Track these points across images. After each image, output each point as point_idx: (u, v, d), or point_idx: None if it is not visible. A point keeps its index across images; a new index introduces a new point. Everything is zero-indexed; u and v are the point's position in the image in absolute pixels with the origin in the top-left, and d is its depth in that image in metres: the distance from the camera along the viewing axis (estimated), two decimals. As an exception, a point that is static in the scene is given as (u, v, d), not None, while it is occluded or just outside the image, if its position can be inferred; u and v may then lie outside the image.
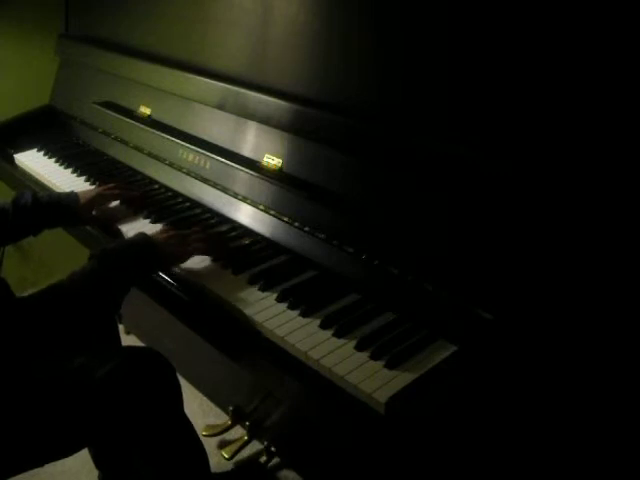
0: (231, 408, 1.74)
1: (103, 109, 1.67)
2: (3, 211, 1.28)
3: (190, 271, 1.15)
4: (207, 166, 1.40)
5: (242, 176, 1.31)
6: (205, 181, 1.40)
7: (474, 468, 0.78)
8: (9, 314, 0.96)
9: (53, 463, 1.13)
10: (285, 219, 1.21)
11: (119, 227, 1.33)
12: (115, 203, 1.41)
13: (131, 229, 1.31)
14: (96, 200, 1.37)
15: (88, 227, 1.38)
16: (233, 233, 1.28)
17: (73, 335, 1.01)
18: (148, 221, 1.34)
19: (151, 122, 1.57)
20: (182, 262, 1.16)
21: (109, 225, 1.35)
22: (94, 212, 1.37)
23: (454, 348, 0.94)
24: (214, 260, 1.18)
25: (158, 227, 1.31)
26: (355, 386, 0.87)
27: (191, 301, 1.13)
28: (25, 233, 1.32)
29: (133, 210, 1.39)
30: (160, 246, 1.12)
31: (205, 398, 1.94)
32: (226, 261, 1.16)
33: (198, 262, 1.17)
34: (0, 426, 1.05)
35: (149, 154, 1.55)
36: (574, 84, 0.89)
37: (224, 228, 1.30)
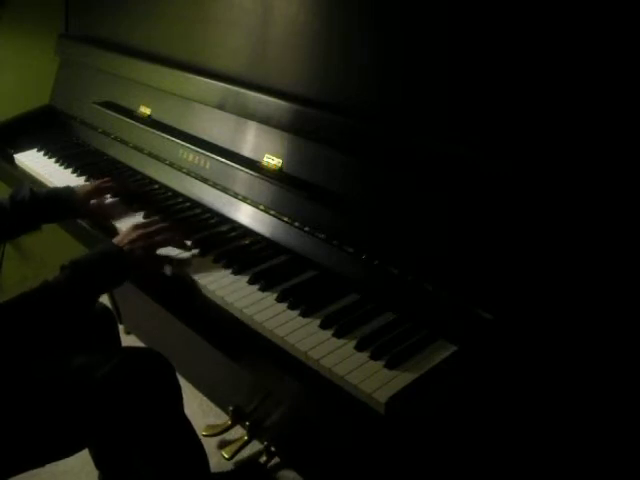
0: (231, 408, 1.74)
1: (103, 109, 1.67)
2: (1, 207, 1.29)
3: (190, 271, 1.15)
4: (207, 166, 1.40)
5: (242, 176, 1.31)
6: (205, 181, 1.40)
7: (474, 468, 0.78)
8: None
9: (54, 463, 1.13)
10: (285, 219, 1.21)
11: (116, 224, 1.34)
12: (111, 199, 1.43)
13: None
14: (92, 193, 1.38)
15: (87, 226, 1.38)
16: (233, 233, 1.28)
17: (44, 339, 1.04)
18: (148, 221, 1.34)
19: (151, 122, 1.57)
20: (150, 263, 1.16)
21: (105, 218, 1.37)
22: (90, 204, 1.38)
23: (454, 348, 0.94)
24: (214, 261, 1.18)
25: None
26: (355, 386, 0.87)
27: (191, 301, 1.13)
28: (24, 228, 1.33)
29: (130, 205, 1.40)
30: (127, 253, 1.11)
31: (205, 398, 1.94)
32: (226, 261, 1.16)
33: (198, 262, 1.18)
34: (1, 426, 1.05)
35: (149, 154, 1.55)
36: (574, 84, 0.89)
37: (224, 228, 1.30)
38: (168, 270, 1.18)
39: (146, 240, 1.15)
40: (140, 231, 1.16)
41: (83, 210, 1.37)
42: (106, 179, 1.44)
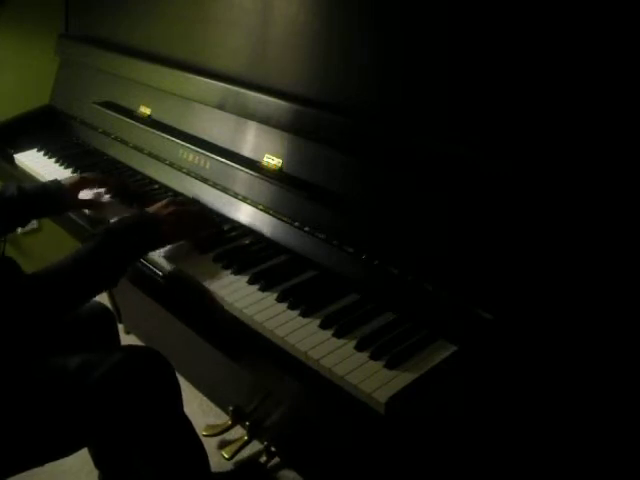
0: (231, 408, 1.74)
1: (103, 109, 1.67)
2: None
3: (190, 271, 1.15)
4: (207, 166, 1.40)
5: (242, 176, 1.31)
6: (205, 181, 1.40)
7: (474, 468, 0.78)
8: (17, 290, 0.99)
9: (53, 463, 1.13)
10: (285, 219, 1.21)
11: (107, 214, 1.37)
12: (100, 190, 1.45)
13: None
14: (80, 184, 1.40)
15: (87, 225, 1.38)
16: (233, 233, 1.28)
17: (76, 309, 1.09)
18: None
19: (151, 122, 1.57)
20: (179, 240, 1.21)
21: (95, 209, 1.40)
22: (80, 197, 1.40)
23: (454, 348, 0.94)
24: (214, 261, 1.18)
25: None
26: (355, 386, 0.87)
27: (191, 301, 1.13)
28: (13, 225, 1.34)
29: (120, 198, 1.43)
30: (161, 222, 1.16)
31: (205, 398, 1.94)
32: (226, 261, 1.16)
33: (197, 262, 1.18)
34: (0, 425, 1.05)
35: (149, 154, 1.55)
36: (574, 84, 0.89)
37: (224, 228, 1.30)
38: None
39: (179, 217, 1.19)
40: (174, 207, 1.20)
41: (72, 202, 1.39)
42: (93, 173, 1.48)
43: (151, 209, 1.19)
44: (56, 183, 1.38)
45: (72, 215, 1.44)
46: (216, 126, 1.42)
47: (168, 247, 1.21)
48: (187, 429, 1.29)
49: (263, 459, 1.67)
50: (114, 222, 1.13)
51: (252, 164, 1.29)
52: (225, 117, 1.40)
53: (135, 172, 1.57)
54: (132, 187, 1.49)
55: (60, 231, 1.58)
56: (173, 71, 1.52)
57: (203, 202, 1.38)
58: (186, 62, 1.51)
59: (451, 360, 0.92)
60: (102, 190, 1.45)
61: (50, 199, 1.36)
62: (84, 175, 1.43)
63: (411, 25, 1.07)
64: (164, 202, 1.22)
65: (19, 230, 1.41)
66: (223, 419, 1.76)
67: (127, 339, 2.21)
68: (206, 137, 1.43)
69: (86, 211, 1.43)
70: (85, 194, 1.42)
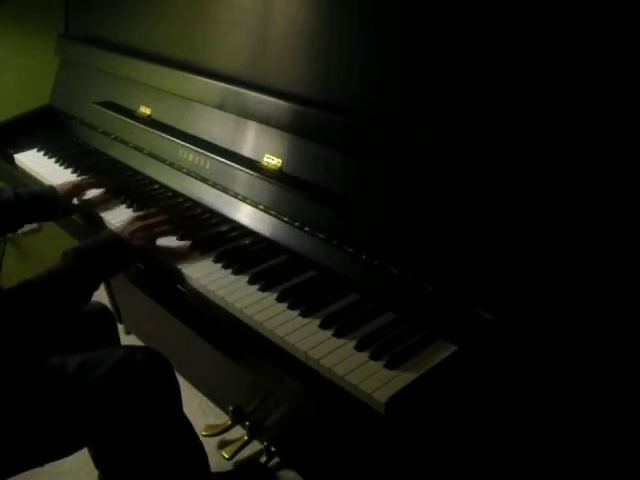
0: (231, 408, 1.74)
1: (103, 109, 1.67)
2: None
3: (190, 272, 1.15)
4: (207, 166, 1.40)
5: (242, 176, 1.31)
6: (205, 181, 1.40)
7: (474, 468, 0.78)
8: None
9: (53, 463, 1.13)
10: (285, 219, 1.21)
11: (103, 216, 1.38)
12: (95, 192, 1.46)
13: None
14: (73, 190, 1.42)
15: (86, 225, 1.38)
16: (233, 233, 1.28)
17: (45, 328, 1.07)
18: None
19: (151, 122, 1.57)
20: (150, 252, 1.21)
21: (90, 212, 1.41)
22: (74, 201, 1.42)
23: (454, 348, 0.94)
24: (214, 261, 1.18)
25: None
26: (355, 386, 0.87)
27: (191, 301, 1.13)
28: (7, 229, 1.37)
29: (114, 197, 1.45)
30: (129, 242, 1.17)
31: (205, 398, 1.94)
32: (226, 261, 1.16)
33: (198, 262, 1.18)
34: (0, 426, 1.05)
35: (149, 154, 1.55)
36: (574, 84, 0.89)
37: (224, 228, 1.30)
38: (165, 259, 1.21)
39: (147, 231, 1.20)
40: (140, 223, 1.21)
41: (66, 208, 1.41)
42: (88, 177, 1.50)
43: (117, 229, 1.20)
44: (51, 190, 1.41)
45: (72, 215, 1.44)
46: (216, 126, 1.42)
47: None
48: (187, 429, 1.29)
49: (263, 459, 1.67)
50: (84, 243, 1.13)
51: (252, 164, 1.29)
52: (225, 117, 1.40)
53: (135, 172, 1.57)
54: (132, 186, 1.50)
55: (60, 231, 1.58)
56: (173, 71, 1.52)
57: (203, 202, 1.39)
58: (186, 62, 1.51)
59: (451, 360, 0.92)
60: (99, 192, 1.46)
61: (45, 206, 1.38)
62: (76, 182, 1.45)
63: (411, 25, 1.07)
64: (130, 219, 1.23)
65: (19, 230, 1.41)
66: (223, 419, 1.76)
67: (127, 339, 2.21)
68: (206, 137, 1.43)
69: (74, 217, 1.44)
70: (81, 198, 1.43)
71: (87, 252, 1.11)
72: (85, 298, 1.12)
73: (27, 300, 1.03)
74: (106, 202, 1.44)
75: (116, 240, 1.16)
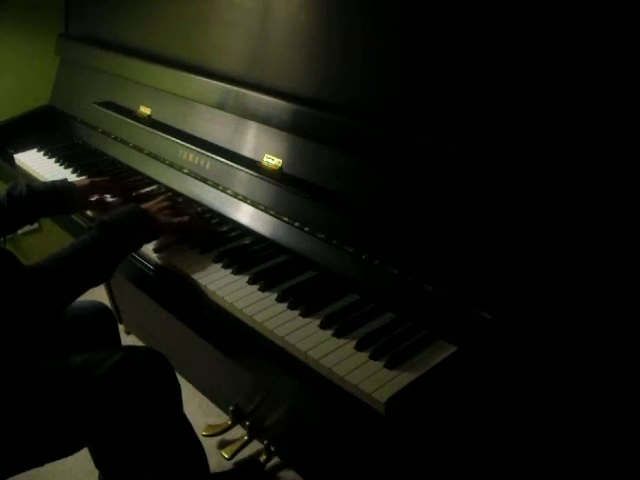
0: (231, 408, 1.74)
1: (103, 109, 1.67)
2: None
3: (190, 272, 1.15)
4: (207, 166, 1.40)
5: (242, 176, 1.31)
6: (205, 181, 1.40)
7: (474, 468, 0.78)
8: (17, 281, 1.01)
9: (53, 463, 1.13)
10: (285, 219, 1.21)
11: None
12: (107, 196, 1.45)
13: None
14: (90, 188, 1.41)
15: (86, 226, 1.38)
16: (233, 233, 1.28)
17: (72, 300, 1.09)
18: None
19: (151, 122, 1.57)
20: (172, 232, 1.23)
21: (100, 210, 1.40)
22: (91, 198, 1.41)
23: (454, 348, 0.93)
24: (214, 261, 1.18)
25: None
26: (355, 386, 0.87)
27: (191, 301, 1.13)
28: (21, 223, 1.35)
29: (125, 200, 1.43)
30: (154, 217, 1.20)
31: (205, 398, 1.94)
32: (226, 261, 1.16)
33: (198, 262, 1.18)
34: (0, 426, 1.05)
35: (149, 154, 1.55)
36: (574, 84, 0.89)
37: (224, 228, 1.30)
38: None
39: (172, 212, 1.23)
40: (168, 203, 1.25)
41: (82, 203, 1.39)
42: (103, 178, 1.47)
43: (144, 205, 1.23)
44: (66, 184, 1.38)
45: (72, 215, 1.44)
46: (216, 126, 1.42)
47: (168, 247, 1.21)
48: (187, 429, 1.29)
49: (263, 459, 1.68)
50: (108, 216, 1.14)
51: (252, 164, 1.29)
52: (225, 117, 1.40)
53: (135, 172, 1.57)
54: (143, 194, 1.48)
55: (60, 231, 1.58)
56: (173, 71, 1.52)
57: (203, 202, 1.38)
58: (186, 62, 1.51)
59: (451, 360, 0.92)
60: (108, 195, 1.45)
61: (59, 200, 1.36)
62: (95, 180, 1.43)
63: (411, 25, 1.07)
64: (157, 199, 1.26)
65: (19, 231, 1.41)
66: (223, 419, 1.76)
67: (127, 339, 2.21)
68: (206, 137, 1.43)
69: (89, 212, 1.43)
70: (92, 196, 1.42)
71: (112, 225, 1.12)
72: (109, 271, 1.13)
73: (53, 274, 1.04)
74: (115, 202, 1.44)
75: (142, 213, 1.18)
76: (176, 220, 1.23)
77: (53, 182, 1.39)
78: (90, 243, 1.09)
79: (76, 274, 1.07)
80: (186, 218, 1.24)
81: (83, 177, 1.55)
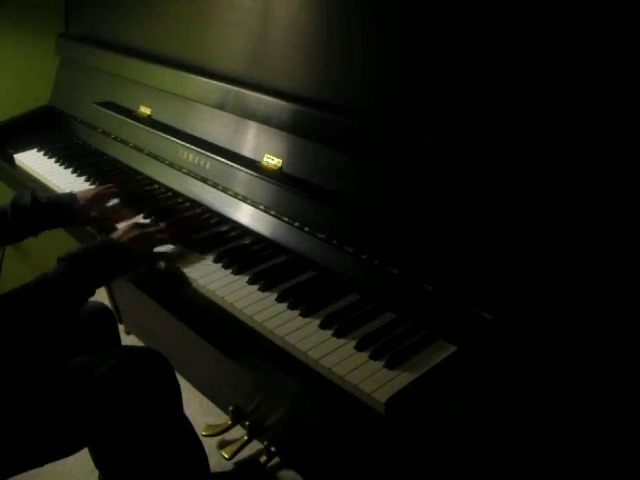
0: (231, 408, 1.74)
1: (103, 109, 1.67)
2: (2, 212, 1.29)
3: (190, 272, 1.15)
4: (207, 166, 1.40)
5: (242, 176, 1.31)
6: (205, 181, 1.40)
7: (474, 468, 0.78)
8: None
9: (53, 463, 1.13)
10: (285, 219, 1.21)
11: (118, 227, 1.33)
12: (114, 202, 1.42)
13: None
14: (95, 200, 1.37)
15: (88, 227, 1.38)
16: (233, 233, 1.28)
17: (40, 334, 1.04)
18: (148, 221, 1.35)
19: (151, 122, 1.57)
20: (147, 260, 1.19)
21: (108, 225, 1.35)
22: (93, 213, 1.36)
23: (454, 348, 0.93)
24: (214, 261, 1.18)
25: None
26: (355, 386, 0.87)
27: (191, 301, 1.13)
28: (24, 234, 1.33)
29: (131, 209, 1.39)
30: (126, 249, 1.13)
31: (205, 398, 1.94)
32: (226, 261, 1.16)
33: (198, 262, 1.18)
34: (0, 426, 1.05)
35: (149, 154, 1.55)
36: (574, 83, 0.89)
37: (224, 228, 1.31)
38: (162, 265, 1.20)
39: (145, 239, 1.17)
40: (139, 230, 1.17)
41: (85, 218, 1.35)
42: (109, 185, 1.44)
43: (115, 235, 1.16)
44: (71, 197, 1.36)
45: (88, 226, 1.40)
46: (216, 126, 1.42)
47: (169, 247, 1.21)
48: (187, 429, 1.29)
49: (263, 459, 1.67)
50: (79, 248, 1.11)
51: (252, 164, 1.29)
52: (225, 117, 1.40)
53: (135, 172, 1.57)
54: (144, 195, 1.46)
55: (60, 231, 1.58)
56: (173, 71, 1.52)
57: (203, 202, 1.38)
58: (186, 62, 1.51)
59: (451, 360, 0.92)
60: (114, 202, 1.42)
61: (62, 213, 1.33)
62: (99, 190, 1.40)
63: (411, 25, 1.07)
64: (129, 225, 1.19)
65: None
66: (223, 419, 1.76)
67: (127, 339, 2.21)
68: (206, 137, 1.43)
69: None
70: (97, 210, 1.38)
71: (81, 258, 1.08)
72: (78, 304, 1.09)
73: (19, 306, 1.01)
74: (122, 212, 1.39)
75: (113, 246, 1.13)
76: (148, 252, 1.18)
77: (58, 195, 1.38)
78: (59, 275, 1.05)
79: (42, 305, 1.03)
80: (166, 236, 1.20)
81: (86, 182, 1.54)
